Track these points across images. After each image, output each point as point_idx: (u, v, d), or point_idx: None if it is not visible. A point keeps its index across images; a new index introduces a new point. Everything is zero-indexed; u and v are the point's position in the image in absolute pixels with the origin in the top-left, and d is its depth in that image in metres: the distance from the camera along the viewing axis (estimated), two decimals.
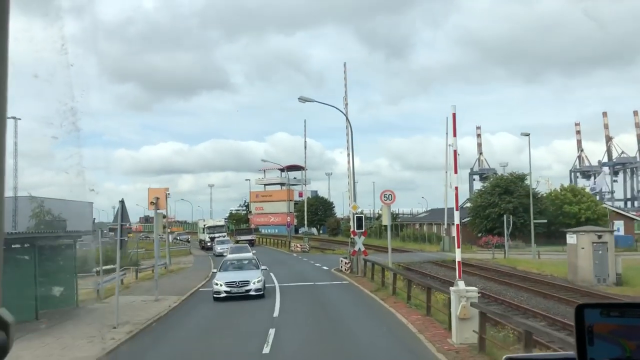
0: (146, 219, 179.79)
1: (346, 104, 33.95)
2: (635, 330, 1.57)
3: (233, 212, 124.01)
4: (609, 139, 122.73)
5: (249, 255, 29.54)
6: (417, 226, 75.42)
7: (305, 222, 62.44)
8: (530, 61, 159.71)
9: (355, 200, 31.27)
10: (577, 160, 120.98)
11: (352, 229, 32.89)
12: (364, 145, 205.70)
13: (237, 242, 54.40)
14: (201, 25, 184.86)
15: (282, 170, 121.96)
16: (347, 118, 32.93)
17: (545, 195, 62.23)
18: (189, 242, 77.36)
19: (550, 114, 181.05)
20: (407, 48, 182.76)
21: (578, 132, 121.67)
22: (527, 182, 59.89)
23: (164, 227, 35.96)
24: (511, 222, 42.26)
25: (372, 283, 26.03)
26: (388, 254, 23.67)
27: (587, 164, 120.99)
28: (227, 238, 56.03)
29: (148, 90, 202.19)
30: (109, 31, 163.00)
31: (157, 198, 22.79)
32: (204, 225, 66.87)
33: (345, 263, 31.62)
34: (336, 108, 32.39)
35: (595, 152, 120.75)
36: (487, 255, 44.51)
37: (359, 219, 29.11)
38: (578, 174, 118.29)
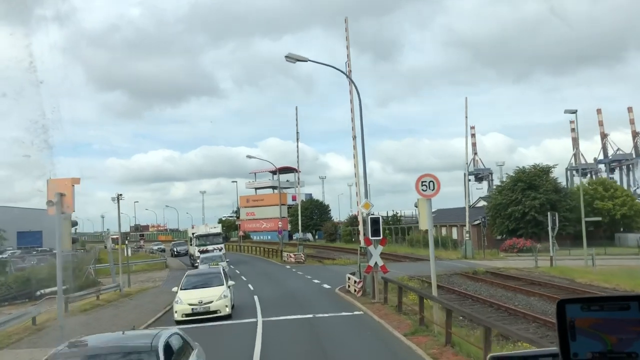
0: (136, 228, 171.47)
1: (350, 70, 25.22)
2: (614, 323, 1.54)
3: (223, 218, 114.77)
4: (604, 136, 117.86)
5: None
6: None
7: (300, 228, 52.66)
8: (519, 61, 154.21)
9: (367, 197, 22.46)
10: (573, 158, 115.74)
11: (363, 235, 24.18)
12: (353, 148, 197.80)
13: (202, 252, 40.30)
14: (187, 31, 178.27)
15: (273, 172, 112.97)
16: (350, 80, 24.20)
17: (573, 190, 53.67)
18: (187, 254, 66.16)
19: (540, 114, 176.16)
20: (395, 50, 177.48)
21: (573, 130, 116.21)
22: (553, 175, 51.44)
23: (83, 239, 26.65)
24: (557, 220, 33.50)
25: (399, 316, 17.20)
26: (431, 271, 14.84)
27: (583, 162, 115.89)
28: (221, 252, 40.26)
29: (137, 98, 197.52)
30: (94, 39, 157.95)
31: (62, 194, 13.83)
32: (193, 233, 48.54)
33: (356, 282, 22.81)
34: (336, 69, 23.71)
35: (587, 150, 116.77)
36: (523, 263, 35.78)
37: (375, 222, 20.28)
38: (574, 172, 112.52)
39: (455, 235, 58.09)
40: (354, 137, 25.28)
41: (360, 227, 25.45)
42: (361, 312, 18.92)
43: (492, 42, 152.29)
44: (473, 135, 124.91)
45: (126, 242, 34.92)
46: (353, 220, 77.49)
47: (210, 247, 42.60)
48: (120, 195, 29.74)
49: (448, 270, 32.81)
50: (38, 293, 31.97)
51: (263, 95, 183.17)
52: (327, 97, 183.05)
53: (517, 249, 45.62)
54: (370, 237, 20.31)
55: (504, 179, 52.47)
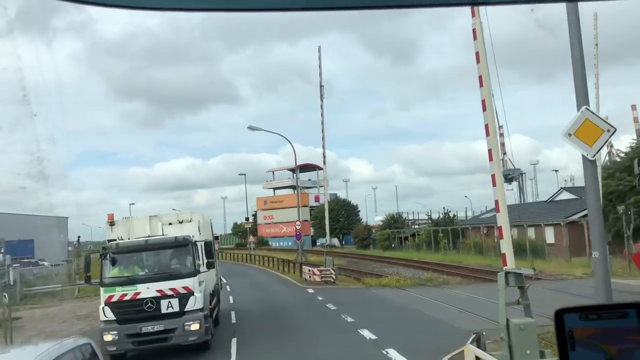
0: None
1: None
2: (613, 332, 1.50)
3: (238, 223, 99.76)
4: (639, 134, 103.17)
5: None
6: (484, 231, 50.27)
7: (327, 231, 35.59)
8: (541, 62, 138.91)
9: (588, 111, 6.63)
10: (607, 156, 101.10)
11: (510, 236, 8.53)
12: (376, 152, 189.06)
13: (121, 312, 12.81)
14: (203, 38, 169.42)
15: (293, 170, 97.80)
16: None
17: None
18: None
19: (564, 115, 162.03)
20: (414, 52, 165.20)
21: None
22: None
23: None
24: None
25: None
26: None
27: (618, 160, 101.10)
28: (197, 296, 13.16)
29: (158, 107, 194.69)
30: (113, 49, 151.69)
31: None
32: (110, 244, 13.67)
33: None
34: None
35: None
36: None
37: None
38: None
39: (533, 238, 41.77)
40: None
41: (501, 215, 9.33)
42: None
43: (513, 42, 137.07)
44: (502, 135, 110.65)
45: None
46: (390, 222, 61.49)
47: (147, 289, 12.92)
48: None
49: None
50: None
51: (282, 101, 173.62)
52: (346, 102, 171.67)
53: None
54: None
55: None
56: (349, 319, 16.47)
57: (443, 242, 44.70)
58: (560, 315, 1.54)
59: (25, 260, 63.44)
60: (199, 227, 14.71)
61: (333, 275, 27.06)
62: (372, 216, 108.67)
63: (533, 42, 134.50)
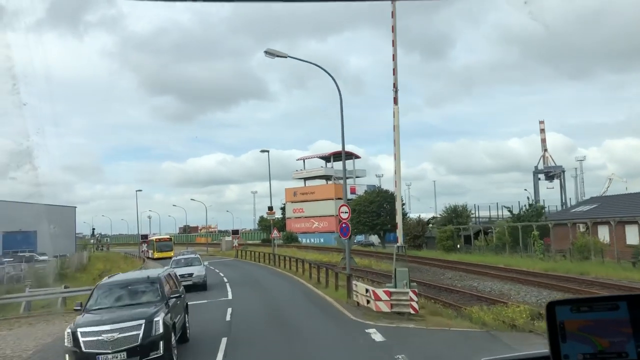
0: (184, 229, 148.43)
1: None
2: (604, 324, 1.47)
3: (264, 216, 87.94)
4: None
5: None
6: (580, 229, 36.87)
7: (400, 219, 20.33)
8: (577, 57, 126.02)
9: None
10: None
11: None
12: (407, 149, 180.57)
13: None
14: (233, 34, 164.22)
15: (326, 159, 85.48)
16: None
17: None
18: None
19: (600, 113, 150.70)
20: (446, 48, 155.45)
21: None
22: None
23: None
24: None
25: None
26: None
27: None
28: None
29: (190, 103, 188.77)
30: (144, 44, 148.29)
31: None
32: None
33: None
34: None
35: None
36: None
37: None
38: None
39: None
40: None
41: None
42: None
43: (547, 37, 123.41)
44: (542, 131, 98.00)
45: None
46: (452, 217, 48.47)
47: None
48: None
49: None
50: None
51: (311, 97, 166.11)
52: (376, 98, 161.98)
53: None
54: None
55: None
56: None
57: (539, 242, 31.71)
58: (551, 308, 1.47)
59: (19, 253, 53.14)
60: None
61: (414, 304, 14.52)
62: (407, 212, 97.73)
63: (568, 36, 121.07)
